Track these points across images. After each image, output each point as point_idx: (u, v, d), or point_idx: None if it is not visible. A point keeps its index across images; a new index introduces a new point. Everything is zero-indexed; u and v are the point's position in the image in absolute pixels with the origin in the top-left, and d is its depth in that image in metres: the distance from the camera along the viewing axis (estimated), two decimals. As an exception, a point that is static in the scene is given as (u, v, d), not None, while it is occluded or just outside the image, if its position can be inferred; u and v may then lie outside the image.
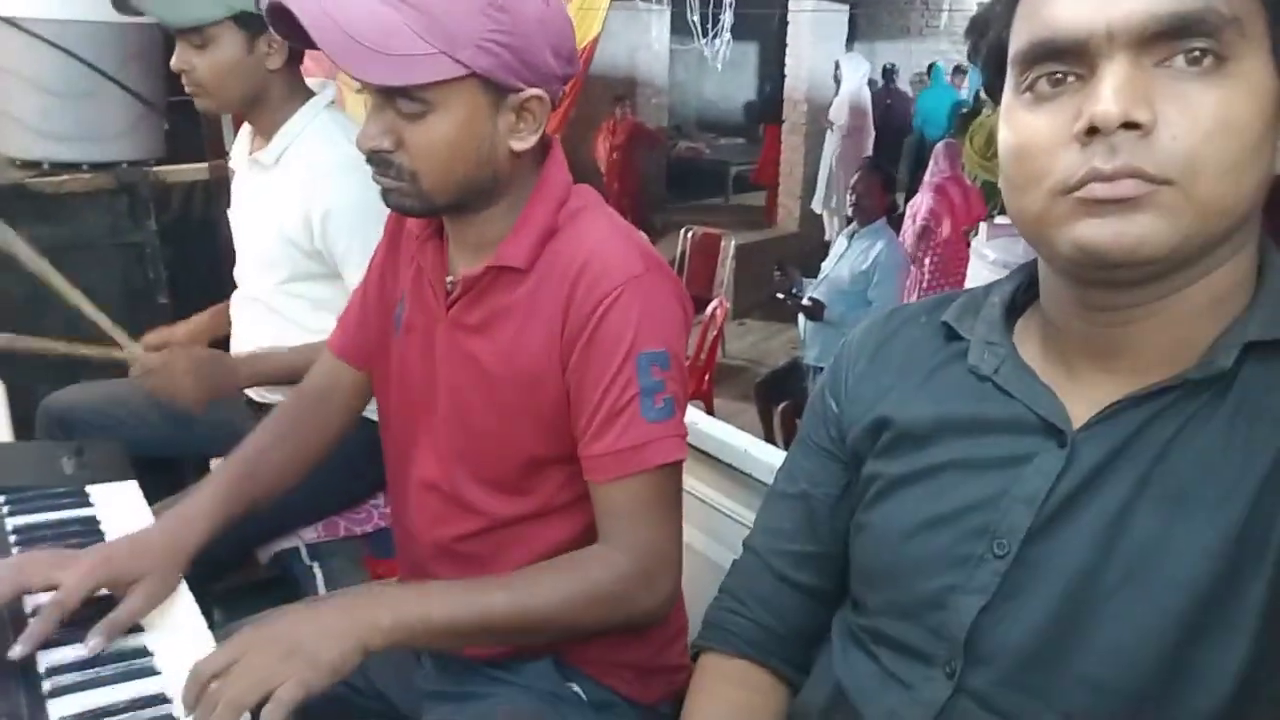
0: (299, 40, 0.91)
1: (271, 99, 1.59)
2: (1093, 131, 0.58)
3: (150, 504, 1.22)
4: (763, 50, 9.71)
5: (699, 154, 9.82)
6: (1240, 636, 0.59)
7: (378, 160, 0.96)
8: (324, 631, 0.86)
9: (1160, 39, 0.58)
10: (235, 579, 1.73)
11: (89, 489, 1.21)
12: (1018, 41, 0.64)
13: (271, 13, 0.92)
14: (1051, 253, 0.65)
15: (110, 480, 1.23)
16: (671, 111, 9.27)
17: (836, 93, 7.39)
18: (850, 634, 0.80)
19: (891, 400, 0.78)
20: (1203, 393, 0.63)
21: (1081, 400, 0.68)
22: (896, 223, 4.48)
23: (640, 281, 0.97)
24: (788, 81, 7.63)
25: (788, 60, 7.61)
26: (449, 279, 1.08)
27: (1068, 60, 0.61)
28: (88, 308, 1.51)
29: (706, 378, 4.49)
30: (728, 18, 6.16)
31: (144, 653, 0.91)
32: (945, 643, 0.70)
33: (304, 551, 1.65)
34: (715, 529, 1.36)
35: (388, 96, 0.93)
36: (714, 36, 6.75)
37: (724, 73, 8.73)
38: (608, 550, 0.99)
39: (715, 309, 4.58)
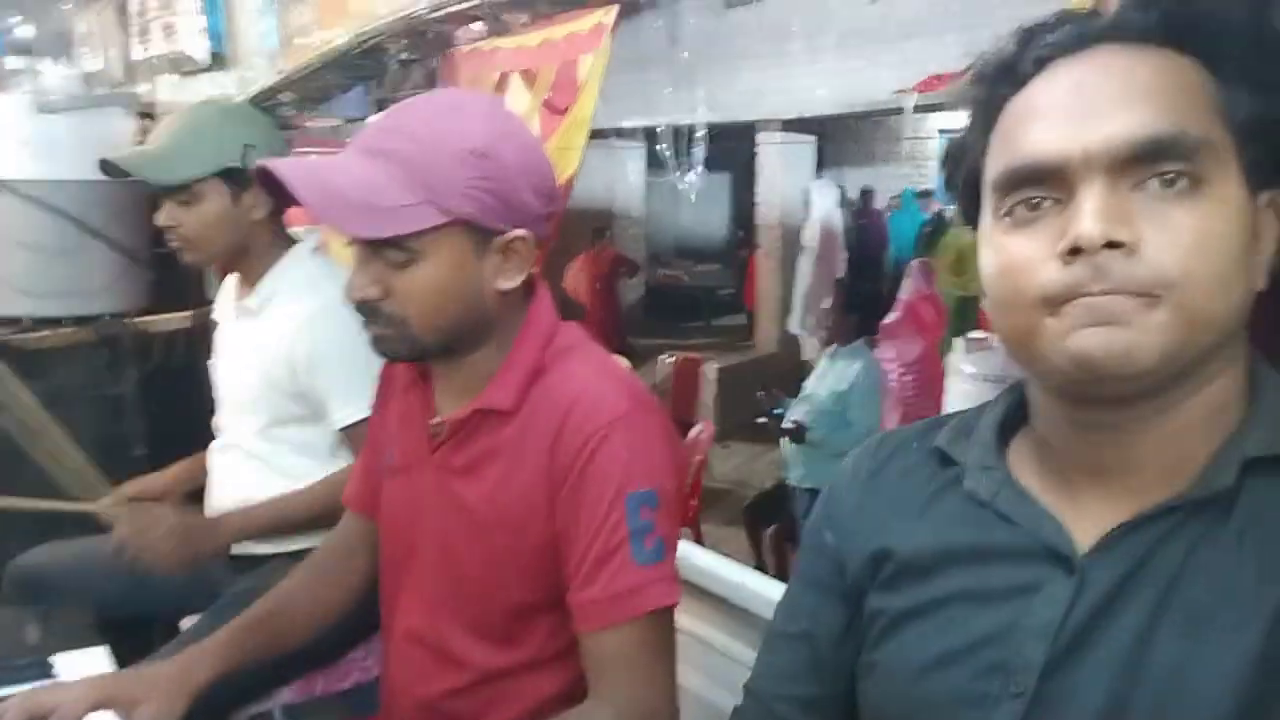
0: (286, 200, 0.93)
1: (256, 248, 1.62)
2: (1076, 251, 0.59)
3: (120, 666, 1.17)
4: (735, 180, 10.05)
5: (678, 281, 10.01)
6: None
7: (366, 310, 0.97)
8: None
9: (1135, 163, 0.60)
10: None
11: (53, 659, 1.16)
12: (994, 168, 0.66)
13: (260, 175, 0.94)
14: (1043, 368, 0.65)
15: (77, 648, 1.19)
16: (649, 241, 9.51)
17: (807, 218, 7.63)
18: None
19: (890, 532, 0.76)
20: (1206, 512, 0.62)
21: (1083, 521, 0.66)
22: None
23: (628, 420, 0.96)
24: (760, 209, 7.86)
25: (759, 189, 7.86)
26: (434, 421, 1.07)
27: (1045, 186, 0.62)
28: (74, 458, 1.49)
29: (694, 503, 4.44)
30: (699, 151, 6.38)
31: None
32: None
33: (278, 714, 1.57)
34: (712, 670, 1.31)
35: (375, 247, 0.94)
36: (687, 169, 6.98)
37: (698, 202, 9.00)
38: (596, 707, 0.94)
39: (700, 433, 4.56)
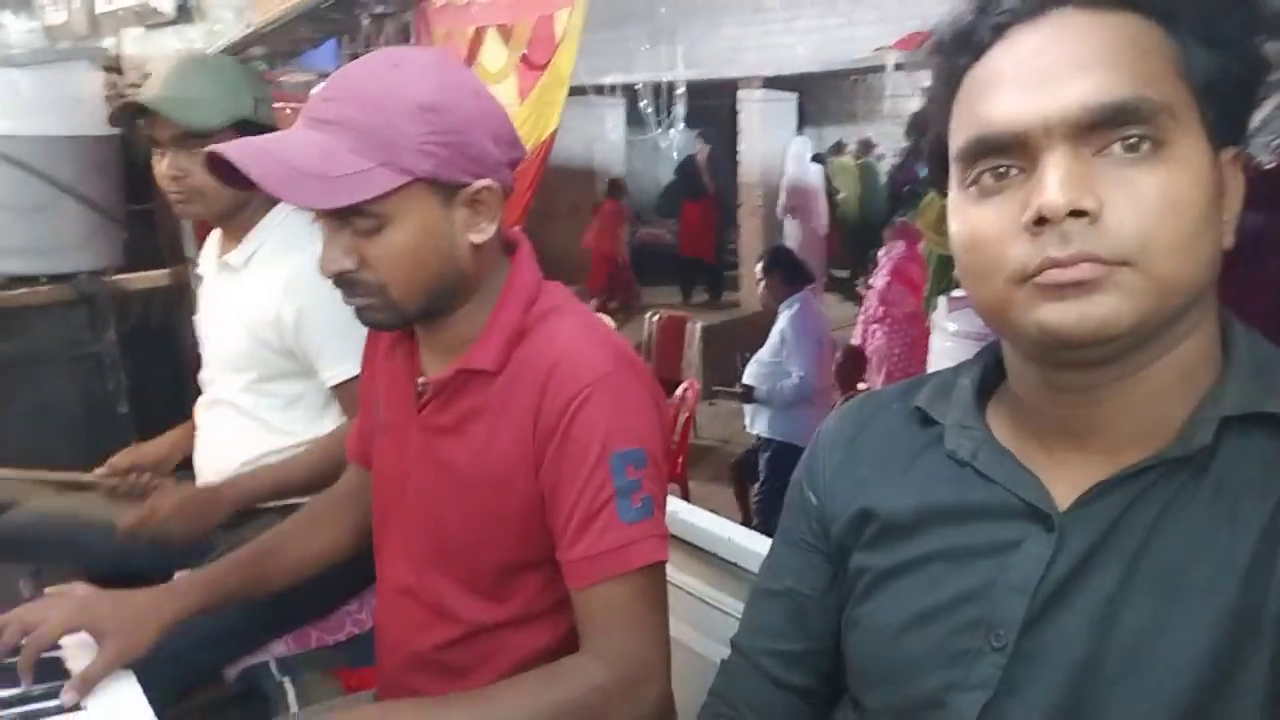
0: (238, 183, 0.91)
1: (250, 204, 1.59)
2: (1042, 221, 0.59)
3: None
4: (717, 137, 9.98)
5: (660, 239, 9.97)
6: (1246, 716, 0.58)
7: (344, 282, 0.95)
8: None
9: (1096, 129, 0.59)
10: (203, 698, 1.65)
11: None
12: (957, 139, 0.65)
13: (210, 162, 0.92)
14: (1015, 337, 0.66)
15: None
16: (630, 199, 9.44)
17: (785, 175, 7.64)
18: None
19: (872, 491, 0.77)
20: (1182, 470, 0.63)
21: (1062, 480, 0.67)
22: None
23: (610, 379, 0.96)
24: (741, 167, 7.82)
25: (740, 146, 7.82)
26: (420, 380, 1.06)
27: (1009, 155, 0.62)
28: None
29: (680, 461, 4.46)
30: (680, 108, 6.34)
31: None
32: None
33: (274, 666, 1.58)
34: (703, 623, 1.32)
35: (341, 218, 0.92)
36: (668, 126, 6.93)
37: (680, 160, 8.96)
38: (588, 660, 0.95)
39: (686, 391, 4.58)
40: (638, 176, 9.79)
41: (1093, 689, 0.62)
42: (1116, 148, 0.59)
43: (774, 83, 7.44)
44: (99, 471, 1.62)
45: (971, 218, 0.64)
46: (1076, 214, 0.58)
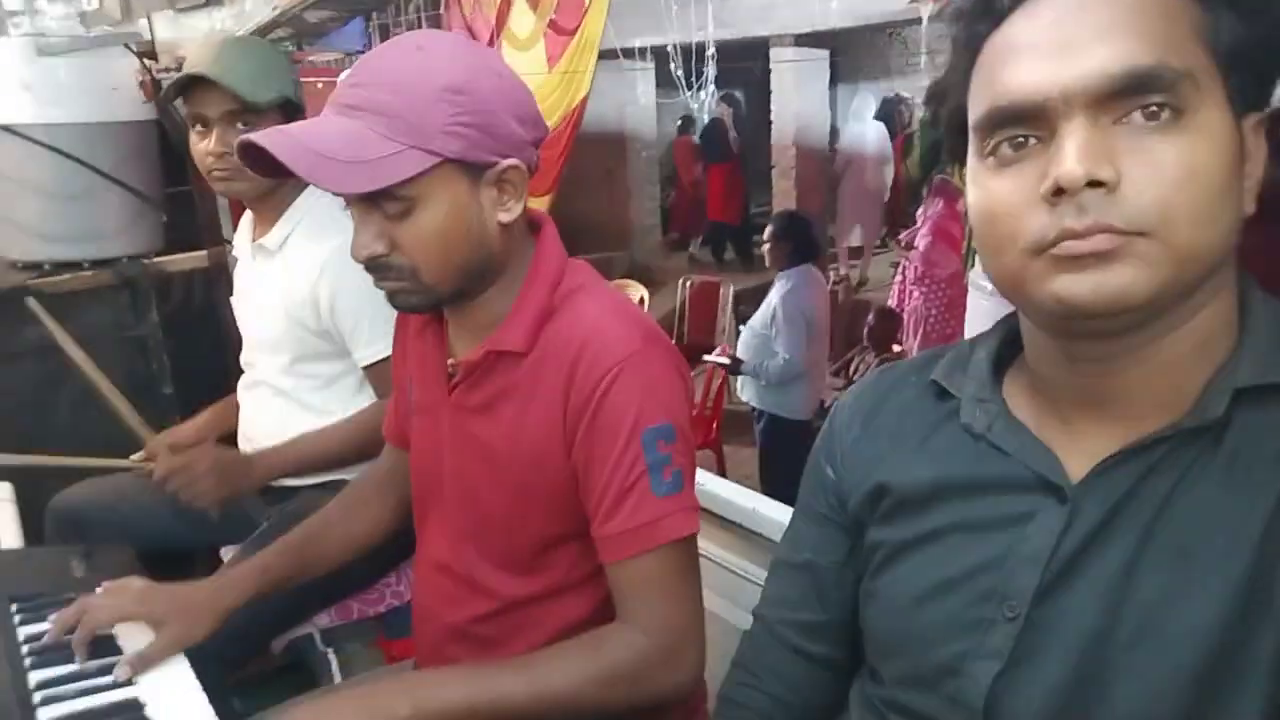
0: (269, 170, 0.93)
1: (285, 184, 1.61)
2: (1059, 192, 0.59)
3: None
4: (748, 98, 9.85)
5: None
6: (1256, 686, 0.59)
7: (376, 266, 0.97)
8: None
9: (1116, 98, 0.59)
10: (250, 670, 1.72)
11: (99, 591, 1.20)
12: (976, 109, 0.65)
13: (242, 150, 0.94)
14: (1032, 309, 0.66)
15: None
16: (662, 163, 9.38)
17: (832, 134, 7.53)
18: (868, 705, 0.79)
19: (888, 465, 0.78)
20: (1197, 441, 0.63)
21: (1077, 452, 0.67)
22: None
23: (639, 357, 0.97)
24: (775, 127, 7.72)
25: (773, 107, 7.71)
26: (450, 361, 1.09)
27: (1027, 124, 0.62)
28: (116, 401, 1.52)
29: (715, 426, 4.48)
30: (710, 70, 6.26)
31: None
32: (963, 710, 0.68)
33: (318, 638, 1.63)
34: (732, 592, 1.35)
35: (372, 202, 0.94)
36: (698, 89, 6.85)
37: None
38: (627, 628, 0.98)
39: (719, 356, 4.58)
40: (670, 138, 9.70)
41: (1104, 658, 0.63)
42: (1137, 116, 0.59)
43: (806, 40, 7.32)
44: (136, 456, 1.67)
45: (989, 188, 0.64)
46: (1094, 184, 0.58)
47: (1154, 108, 0.58)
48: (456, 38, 0.98)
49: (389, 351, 1.32)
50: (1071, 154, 0.58)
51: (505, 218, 0.99)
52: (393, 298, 1.01)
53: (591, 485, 0.99)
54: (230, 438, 1.79)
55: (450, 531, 1.12)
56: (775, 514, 1.29)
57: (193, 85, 1.56)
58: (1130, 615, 0.62)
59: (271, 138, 0.91)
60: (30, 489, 1.70)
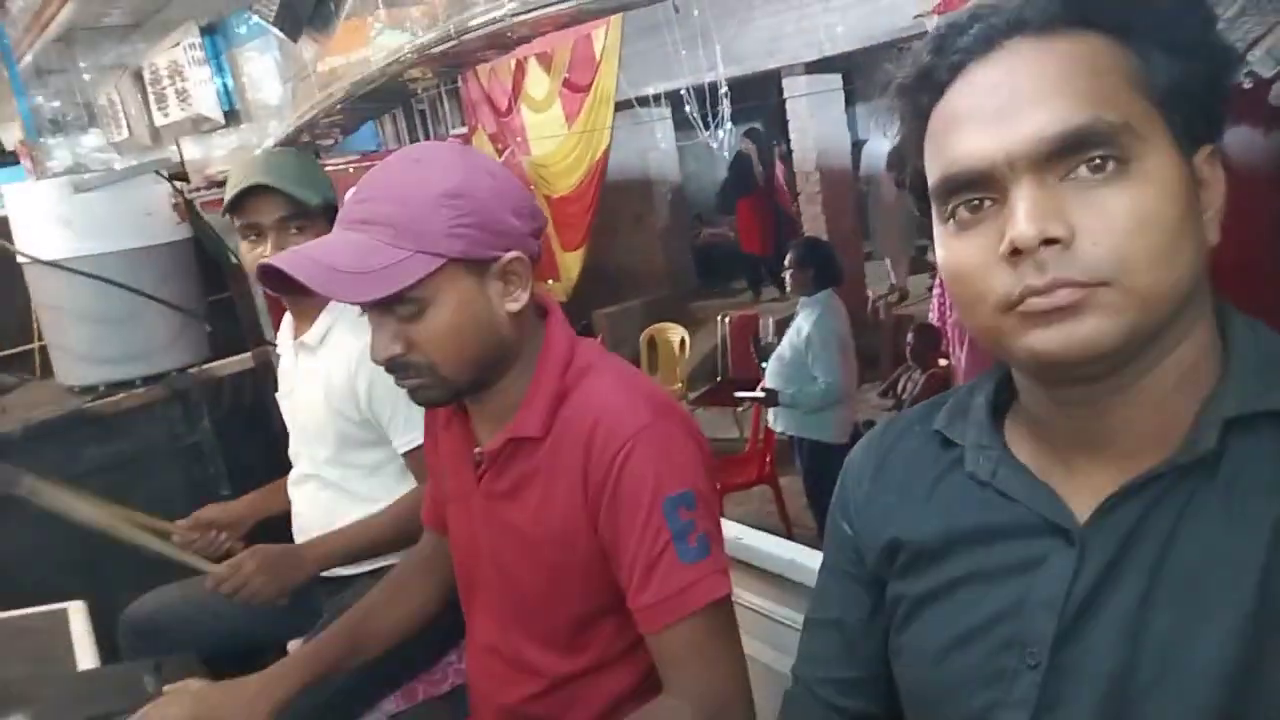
0: (285, 289, 0.99)
1: None
2: (1017, 252, 0.60)
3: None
4: (768, 129, 9.90)
5: (724, 238, 9.95)
6: (1277, 714, 0.59)
7: (395, 366, 1.02)
8: None
9: (1058, 156, 0.60)
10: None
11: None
12: (932, 176, 0.67)
13: (261, 272, 1.01)
14: (1013, 361, 0.67)
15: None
16: (690, 203, 9.45)
17: (855, 158, 7.50)
18: None
19: (899, 519, 0.78)
20: (1194, 474, 0.63)
21: (1081, 491, 0.68)
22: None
23: (651, 429, 1.00)
24: (795, 155, 7.74)
25: (791, 136, 7.74)
26: (476, 450, 1.13)
27: (979, 189, 0.63)
28: (154, 544, 1.59)
29: (768, 460, 4.45)
30: (726, 108, 6.31)
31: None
32: None
33: (386, 724, 1.67)
34: (777, 640, 1.36)
35: (385, 307, 0.99)
36: (716, 127, 6.91)
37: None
38: (673, 701, 0.99)
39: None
40: (694, 179, 9.79)
41: (1128, 699, 0.63)
42: (1082, 170, 0.60)
43: (817, 66, 7.35)
44: (180, 523, 1.73)
45: (954, 250, 0.66)
46: (1049, 242, 0.59)
47: (1097, 160, 0.60)
48: (451, 146, 1.04)
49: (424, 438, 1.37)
50: (1022, 216, 0.60)
51: (513, 307, 1.03)
52: (414, 394, 1.05)
53: (620, 559, 1.01)
54: (278, 520, 1.85)
55: (495, 614, 1.15)
56: (813, 563, 1.30)
57: (243, 197, 1.63)
58: (1149, 654, 0.62)
59: (287, 259, 0.97)
60: (105, 600, 1.78)
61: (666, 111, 7.87)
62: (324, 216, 1.65)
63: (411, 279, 0.96)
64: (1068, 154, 0.60)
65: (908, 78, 0.69)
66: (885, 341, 6.10)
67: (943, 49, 0.66)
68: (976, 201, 0.64)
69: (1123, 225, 0.59)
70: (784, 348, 3.89)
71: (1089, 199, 0.60)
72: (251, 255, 1.67)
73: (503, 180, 1.02)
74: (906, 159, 0.71)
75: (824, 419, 3.78)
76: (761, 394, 3.93)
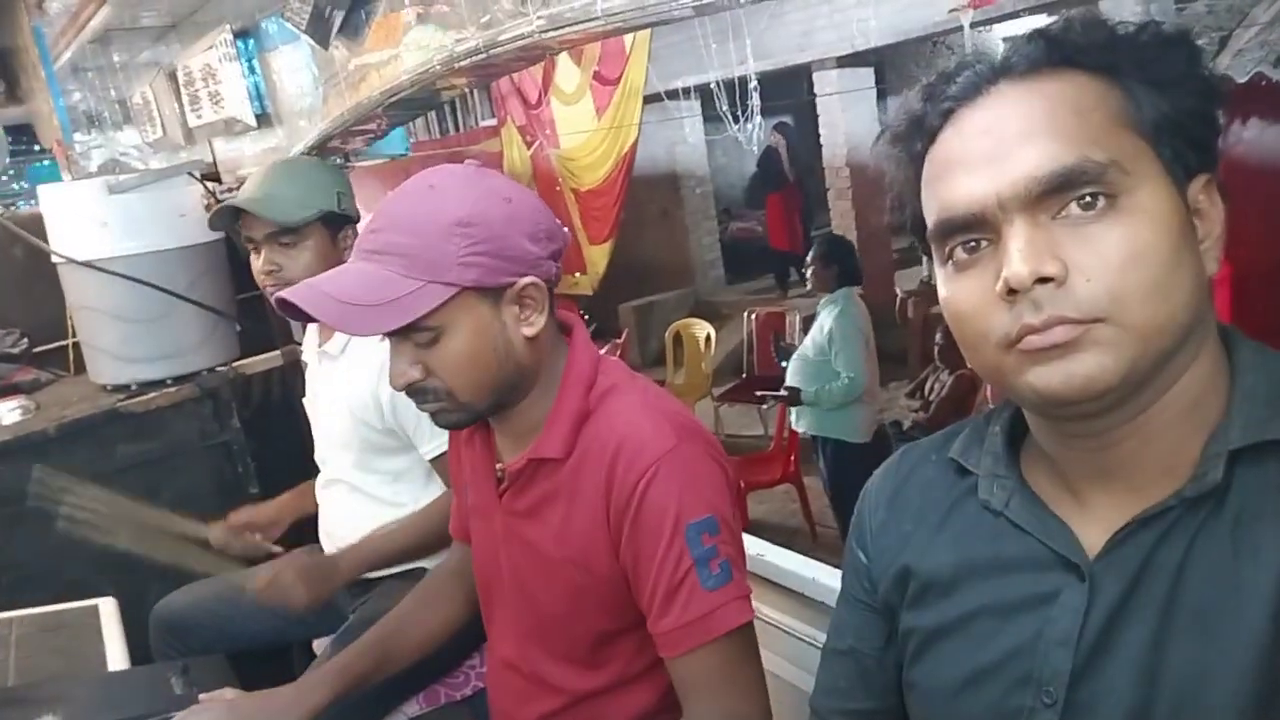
0: (308, 319, 1.00)
1: None
2: (1012, 292, 0.61)
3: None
4: (798, 123, 9.83)
5: (752, 232, 9.92)
6: None
7: (414, 391, 1.03)
8: None
9: (1048, 196, 0.61)
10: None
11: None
12: (928, 219, 0.68)
13: (279, 304, 1.02)
14: (1016, 397, 0.68)
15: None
16: (718, 197, 9.41)
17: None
18: None
19: (912, 548, 0.79)
20: (1203, 506, 0.63)
21: (1093, 524, 0.68)
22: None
23: (674, 454, 1.00)
24: (825, 150, 7.68)
25: (821, 130, 7.68)
26: (498, 467, 1.13)
27: (974, 230, 0.64)
28: (159, 519, 1.62)
29: (793, 459, 4.44)
30: (755, 102, 6.28)
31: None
32: None
33: (409, 727, 1.69)
34: (798, 657, 1.36)
35: (402, 334, 1.00)
36: (745, 121, 6.87)
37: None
38: None
39: (789, 391, 4.55)
40: (723, 173, 9.75)
41: None
42: (1074, 208, 0.61)
43: (849, 61, 7.28)
44: (216, 525, 1.76)
45: (953, 291, 0.67)
46: (1043, 280, 0.60)
47: (1087, 198, 0.61)
48: (468, 171, 1.04)
49: None
50: (1016, 255, 0.61)
51: (529, 331, 1.03)
52: (435, 418, 1.06)
53: (641, 584, 1.01)
54: (310, 520, 1.88)
55: (514, 629, 1.16)
56: (834, 582, 1.29)
57: (238, 210, 1.67)
58: (1165, 691, 0.62)
59: (300, 294, 0.98)
60: (135, 596, 1.82)
61: (696, 105, 7.85)
62: (320, 226, 1.68)
63: (424, 310, 0.96)
64: (1057, 193, 0.61)
65: (900, 125, 0.70)
66: (914, 341, 6.05)
67: (933, 96, 0.67)
68: (973, 243, 0.65)
69: (1116, 260, 0.60)
70: (806, 346, 3.90)
71: (1081, 236, 0.60)
72: (254, 264, 1.72)
73: (518, 205, 1.02)
74: (905, 202, 0.72)
75: (846, 417, 3.77)
76: (784, 392, 3.93)
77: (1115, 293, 0.59)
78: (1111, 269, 0.59)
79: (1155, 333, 0.60)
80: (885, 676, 0.84)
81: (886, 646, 0.83)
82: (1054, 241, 0.61)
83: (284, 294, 1.00)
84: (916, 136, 0.69)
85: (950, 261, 0.67)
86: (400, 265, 0.97)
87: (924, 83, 0.69)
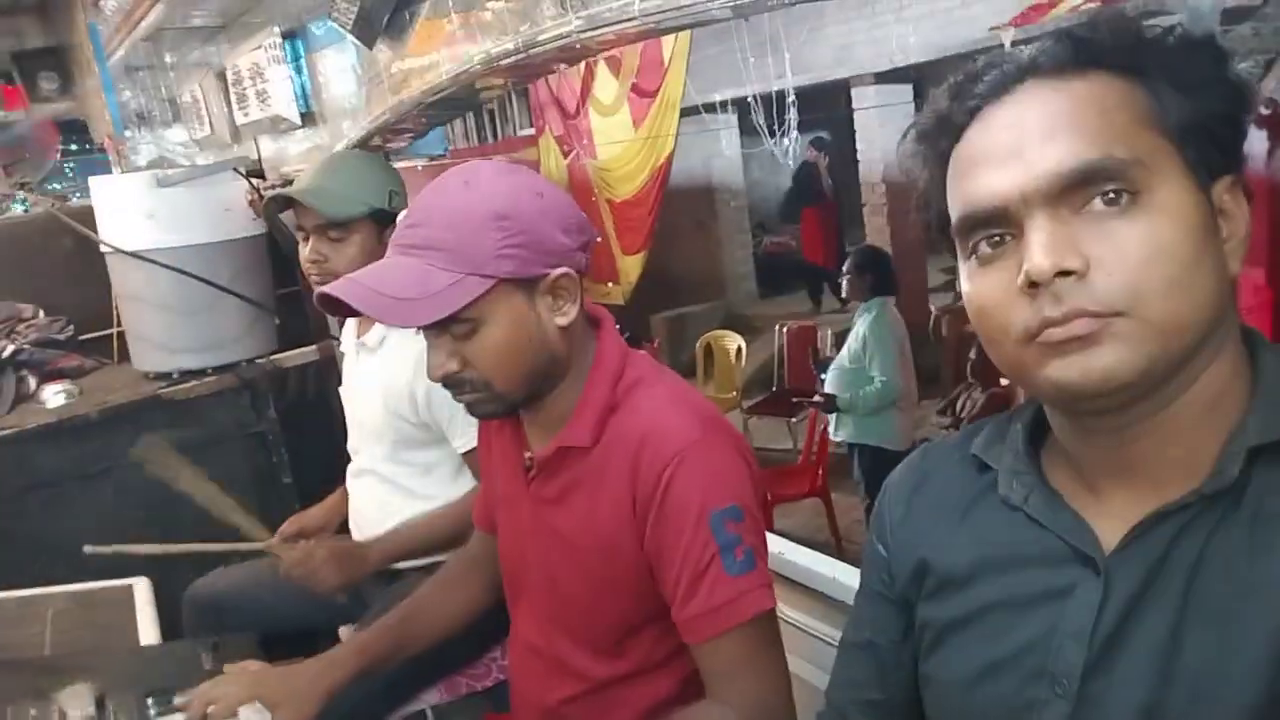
0: (351, 313, 1.03)
1: None
2: (1034, 285, 0.62)
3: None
4: (835, 138, 9.82)
5: (786, 247, 9.90)
6: None
7: (452, 383, 1.05)
8: None
9: (1071, 191, 0.62)
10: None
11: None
12: (953, 215, 0.69)
13: (322, 300, 1.05)
14: (1036, 392, 0.68)
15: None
16: (752, 211, 9.42)
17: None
18: None
19: (931, 542, 0.79)
20: (1220, 503, 0.63)
21: (1111, 520, 0.68)
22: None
23: (700, 445, 1.02)
24: (862, 166, 7.67)
25: (859, 145, 7.67)
26: (527, 455, 1.15)
27: (997, 225, 0.65)
28: (230, 512, 1.66)
29: (821, 473, 4.42)
30: (793, 116, 6.29)
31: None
32: None
33: (430, 715, 1.71)
34: (818, 657, 1.36)
35: (440, 327, 1.02)
36: (782, 135, 6.88)
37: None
38: (717, 707, 1.01)
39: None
40: (758, 187, 9.75)
41: None
42: (1096, 203, 0.62)
43: (887, 77, 7.27)
44: (272, 541, 1.80)
45: (976, 285, 0.68)
46: (1064, 274, 0.61)
47: (1110, 194, 0.61)
48: (499, 167, 1.07)
49: None
50: (1037, 249, 0.62)
51: (563, 321, 1.06)
52: (471, 408, 1.09)
53: (666, 572, 1.03)
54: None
55: (538, 615, 1.18)
56: (855, 581, 1.29)
57: (291, 199, 1.71)
58: (1178, 686, 0.63)
59: (343, 288, 1.01)
60: (169, 578, 1.86)
61: (733, 118, 7.87)
62: (369, 222, 1.71)
63: (462, 302, 0.99)
64: (1080, 188, 0.62)
65: (927, 123, 0.71)
66: (947, 358, 6.01)
67: (960, 95, 0.69)
68: (996, 237, 0.66)
69: (1136, 256, 0.60)
70: (843, 356, 3.94)
71: (1103, 231, 0.61)
72: (302, 253, 1.75)
73: (550, 198, 1.05)
74: (930, 200, 0.73)
75: (883, 423, 3.80)
76: (820, 399, 3.95)
77: (1135, 287, 0.60)
78: (1132, 264, 0.60)
79: (1175, 329, 0.61)
80: (902, 669, 0.84)
81: (903, 639, 0.84)
82: (1076, 236, 0.62)
83: (325, 289, 1.03)
84: (943, 134, 0.70)
85: (974, 256, 0.68)
86: (439, 259, 0.99)
87: (951, 81, 0.70)
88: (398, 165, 2.23)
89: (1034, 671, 0.69)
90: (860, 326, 3.83)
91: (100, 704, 1.22)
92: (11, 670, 1.31)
